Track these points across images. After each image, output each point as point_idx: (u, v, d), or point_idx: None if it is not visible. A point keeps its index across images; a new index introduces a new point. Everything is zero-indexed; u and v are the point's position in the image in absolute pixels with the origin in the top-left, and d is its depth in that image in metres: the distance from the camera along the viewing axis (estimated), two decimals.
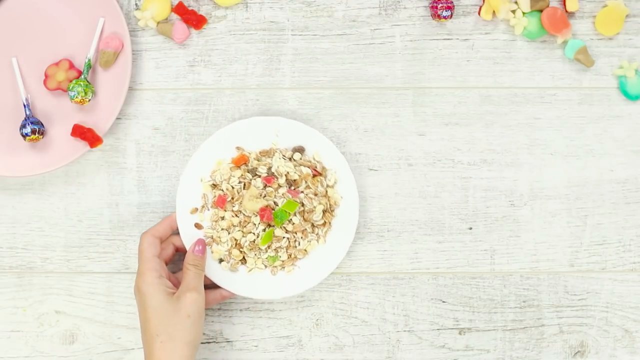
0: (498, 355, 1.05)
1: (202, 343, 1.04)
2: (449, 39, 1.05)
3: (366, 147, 1.05)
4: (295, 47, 1.05)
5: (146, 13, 1.03)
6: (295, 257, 1.01)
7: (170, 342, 0.92)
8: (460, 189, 1.05)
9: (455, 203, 1.05)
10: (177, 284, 0.98)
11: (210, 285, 1.01)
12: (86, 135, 1.01)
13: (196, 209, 1.02)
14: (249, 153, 1.02)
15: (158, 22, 1.04)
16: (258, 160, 1.02)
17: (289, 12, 1.05)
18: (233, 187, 1.01)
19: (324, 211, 1.01)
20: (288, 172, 1.01)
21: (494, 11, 1.04)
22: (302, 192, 1.01)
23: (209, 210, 1.02)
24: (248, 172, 1.01)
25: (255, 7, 1.05)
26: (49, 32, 1.03)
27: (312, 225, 1.01)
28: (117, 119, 1.04)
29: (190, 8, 1.04)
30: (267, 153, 1.02)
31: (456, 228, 1.05)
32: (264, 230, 1.00)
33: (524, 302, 1.05)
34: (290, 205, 0.99)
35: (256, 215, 1.00)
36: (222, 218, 1.01)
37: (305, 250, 1.02)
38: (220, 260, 1.01)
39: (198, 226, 1.02)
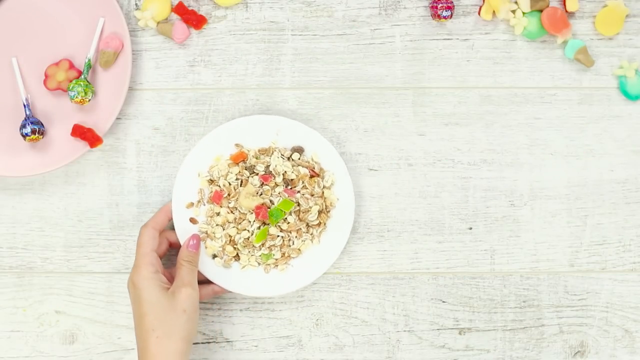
0: (498, 355, 1.05)
1: (202, 343, 1.04)
2: (449, 39, 1.05)
3: (366, 147, 1.05)
4: (295, 47, 1.05)
5: (146, 13, 1.03)
6: (289, 256, 1.02)
7: (166, 337, 0.92)
8: (460, 189, 1.05)
9: (455, 203, 1.05)
10: (170, 279, 0.98)
11: (202, 281, 1.01)
12: (86, 135, 1.01)
13: (192, 204, 1.02)
14: (248, 150, 1.02)
15: (158, 22, 1.04)
16: (256, 158, 1.02)
17: (289, 12, 1.05)
18: (230, 184, 1.01)
19: (320, 212, 1.01)
20: (286, 172, 1.01)
21: (494, 11, 1.04)
22: (298, 191, 1.01)
23: (204, 205, 1.02)
24: (246, 169, 1.01)
25: (255, 7, 1.05)
26: (49, 32, 1.03)
27: (307, 225, 1.01)
28: (117, 119, 1.04)
29: (190, 8, 1.04)
30: (266, 151, 1.02)
31: (456, 228, 1.05)
32: (259, 228, 1.00)
33: (524, 302, 1.05)
34: (286, 205, 0.99)
35: (252, 213, 1.00)
36: (218, 214, 1.01)
37: (299, 249, 1.02)
38: (214, 256, 1.02)
39: (193, 221, 1.02)
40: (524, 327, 1.05)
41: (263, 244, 1.01)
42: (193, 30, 1.05)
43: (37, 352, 1.04)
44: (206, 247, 1.01)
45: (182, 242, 1.00)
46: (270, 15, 1.05)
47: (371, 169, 1.05)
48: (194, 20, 1.03)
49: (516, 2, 1.04)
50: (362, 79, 1.05)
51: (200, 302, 1.03)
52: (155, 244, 0.97)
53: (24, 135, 1.00)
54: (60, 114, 1.03)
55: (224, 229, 1.01)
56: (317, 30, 1.05)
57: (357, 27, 1.05)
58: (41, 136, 1.00)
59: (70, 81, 1.01)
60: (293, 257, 1.02)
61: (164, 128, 1.05)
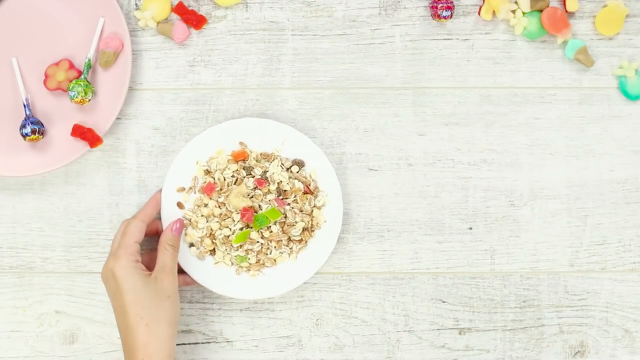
0: (498, 355, 1.05)
1: (202, 343, 1.05)
2: (449, 39, 1.05)
3: (366, 147, 1.05)
4: (295, 47, 1.05)
5: (146, 13, 1.03)
6: (263, 264, 1.02)
7: (155, 323, 0.92)
8: (460, 189, 1.05)
9: (455, 203, 1.05)
10: (146, 263, 0.98)
11: None
12: (86, 135, 1.01)
13: (183, 189, 1.02)
14: (251, 151, 1.02)
15: (158, 22, 1.04)
16: (257, 161, 1.02)
17: (289, 12, 1.05)
18: (225, 179, 1.01)
19: (304, 229, 1.01)
20: (281, 181, 1.01)
21: (494, 11, 1.04)
22: (288, 204, 1.01)
23: (195, 193, 1.02)
24: (244, 169, 1.01)
25: (255, 7, 1.05)
26: (49, 32, 1.03)
27: (289, 238, 1.01)
28: (117, 119, 1.04)
29: (190, 8, 1.04)
30: (268, 157, 1.02)
31: (456, 228, 1.05)
32: (241, 229, 1.01)
33: (524, 302, 1.05)
34: (273, 213, 0.99)
35: (238, 213, 1.00)
36: (205, 205, 1.01)
37: (275, 260, 1.02)
38: (191, 245, 1.02)
39: (180, 205, 1.02)
40: (524, 327, 1.05)
41: (241, 246, 1.01)
42: (193, 30, 1.05)
43: (37, 352, 1.04)
44: (186, 235, 1.02)
45: (164, 224, 1.00)
46: (270, 15, 1.05)
47: (371, 169, 1.05)
48: (194, 20, 1.03)
49: (516, 2, 1.04)
50: (362, 79, 1.05)
51: None
52: (141, 238, 0.97)
53: (24, 135, 1.00)
54: (60, 114, 1.03)
55: (207, 221, 1.01)
56: (317, 30, 1.05)
57: (357, 27, 1.05)
58: (41, 136, 1.00)
59: (70, 81, 1.01)
60: (267, 266, 1.02)
61: (164, 128, 1.05)
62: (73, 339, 1.04)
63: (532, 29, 1.04)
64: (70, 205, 1.05)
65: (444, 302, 1.05)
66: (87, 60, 1.01)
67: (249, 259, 1.01)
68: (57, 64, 1.02)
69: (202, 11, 1.05)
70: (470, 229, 1.05)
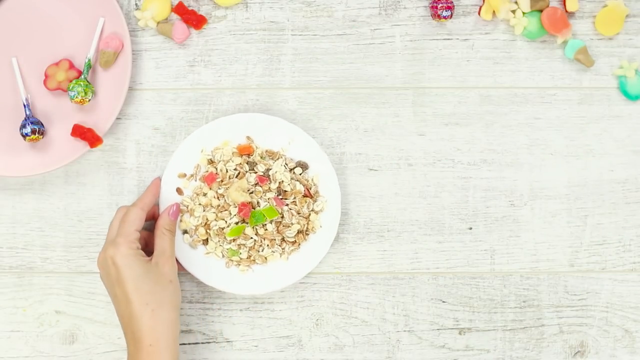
0: (498, 355, 1.05)
1: (202, 343, 1.05)
2: (449, 39, 1.05)
3: (366, 147, 1.05)
4: (295, 47, 1.05)
5: (146, 13, 1.03)
6: (254, 260, 1.02)
7: (161, 309, 0.93)
8: (460, 189, 1.05)
9: (455, 203, 1.05)
10: (143, 248, 0.98)
11: None
12: (86, 135, 1.01)
13: (184, 175, 1.02)
14: (257, 147, 1.02)
15: (158, 22, 1.04)
16: (261, 158, 1.02)
17: (289, 12, 1.05)
18: (227, 171, 1.01)
19: (299, 231, 1.01)
20: (283, 181, 1.01)
21: (494, 11, 1.04)
22: (287, 204, 1.01)
23: (195, 181, 1.02)
24: (247, 163, 1.01)
25: (255, 7, 1.05)
26: (49, 32, 1.03)
27: (283, 239, 1.01)
28: (117, 119, 1.04)
29: (190, 8, 1.04)
30: (273, 155, 1.02)
31: (456, 228, 1.05)
32: (237, 223, 1.01)
33: (524, 302, 1.05)
34: (270, 212, 1.00)
35: (236, 207, 1.00)
36: (204, 194, 1.01)
37: (266, 258, 1.02)
38: (185, 232, 1.02)
39: (179, 191, 1.02)
40: (524, 327, 1.05)
41: (234, 240, 1.01)
42: (193, 30, 1.05)
43: (37, 352, 1.04)
44: (181, 221, 1.02)
45: (162, 208, 1.01)
46: (270, 15, 1.05)
47: (371, 169, 1.05)
48: (194, 20, 1.03)
49: (516, 2, 1.04)
50: (362, 79, 1.05)
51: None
52: (141, 226, 0.97)
53: (24, 135, 1.00)
54: (60, 114, 1.03)
55: (204, 210, 1.01)
56: (317, 30, 1.05)
57: (357, 27, 1.05)
58: (41, 136, 1.00)
59: (70, 81, 1.01)
60: (257, 263, 1.02)
61: (164, 128, 1.05)
62: (73, 339, 1.04)
63: (532, 29, 1.04)
64: (70, 205, 1.05)
65: (444, 302, 1.05)
66: (87, 60, 1.01)
67: (240, 253, 1.01)
68: (57, 64, 1.02)
69: (202, 11, 1.05)
70: (470, 229, 1.05)
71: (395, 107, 1.05)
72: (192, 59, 1.05)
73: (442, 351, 1.05)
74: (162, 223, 0.98)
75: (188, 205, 1.02)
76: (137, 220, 0.96)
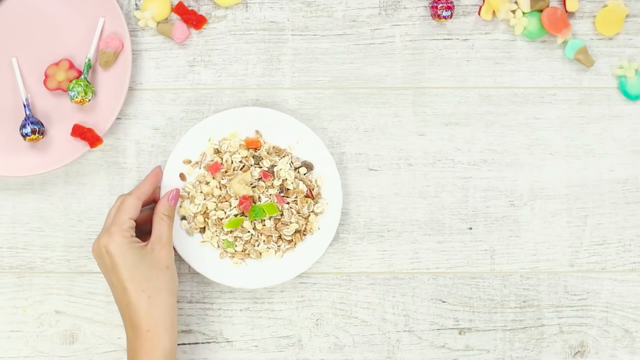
0: (498, 355, 1.05)
1: (202, 343, 1.04)
2: (449, 39, 1.05)
3: (366, 147, 1.05)
4: (295, 47, 1.05)
5: (146, 13, 1.03)
6: (248, 254, 1.02)
7: (157, 294, 0.93)
8: (460, 189, 1.05)
9: (455, 203, 1.05)
10: (142, 227, 0.99)
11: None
12: (86, 135, 1.01)
13: (190, 161, 1.02)
14: (264, 142, 1.02)
15: (158, 22, 1.04)
16: (268, 153, 1.02)
17: (289, 12, 1.05)
18: (232, 162, 1.01)
19: (297, 231, 1.01)
20: (286, 179, 1.01)
21: (494, 11, 1.04)
22: (288, 203, 1.01)
23: (199, 169, 1.02)
24: (253, 157, 1.02)
25: (255, 7, 1.05)
26: (49, 32, 1.03)
27: (280, 237, 1.01)
28: (117, 119, 1.04)
29: (190, 8, 1.04)
30: (280, 152, 1.02)
31: (456, 228, 1.05)
32: (236, 215, 1.01)
33: (524, 302, 1.05)
34: (270, 208, 1.00)
35: (237, 199, 1.00)
36: (207, 183, 1.02)
37: (260, 253, 1.02)
38: (183, 218, 1.02)
39: (182, 177, 1.02)
40: (524, 327, 1.05)
41: (232, 232, 1.01)
42: (193, 30, 1.05)
43: (37, 352, 1.04)
44: (180, 207, 1.02)
45: (163, 192, 1.01)
46: (270, 15, 1.05)
47: (371, 169, 1.05)
48: (194, 20, 1.03)
49: (516, 2, 1.04)
50: (362, 79, 1.05)
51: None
52: (136, 214, 0.97)
53: (24, 135, 1.00)
54: (60, 114, 1.03)
55: (205, 199, 1.01)
56: (317, 30, 1.05)
57: (357, 27, 1.05)
58: (41, 136, 1.00)
59: (70, 81, 1.01)
60: (251, 257, 1.02)
61: (164, 128, 1.05)
62: (73, 339, 1.04)
63: (532, 29, 1.04)
64: (70, 205, 1.05)
65: (444, 302, 1.05)
66: (87, 60, 1.01)
67: (235, 245, 1.01)
68: (57, 64, 1.02)
69: (202, 11, 1.05)
70: (470, 229, 1.05)
71: (395, 107, 1.05)
72: (192, 59, 1.05)
73: (442, 351, 1.05)
74: (161, 208, 0.98)
75: (189, 192, 1.02)
76: (132, 208, 0.96)
